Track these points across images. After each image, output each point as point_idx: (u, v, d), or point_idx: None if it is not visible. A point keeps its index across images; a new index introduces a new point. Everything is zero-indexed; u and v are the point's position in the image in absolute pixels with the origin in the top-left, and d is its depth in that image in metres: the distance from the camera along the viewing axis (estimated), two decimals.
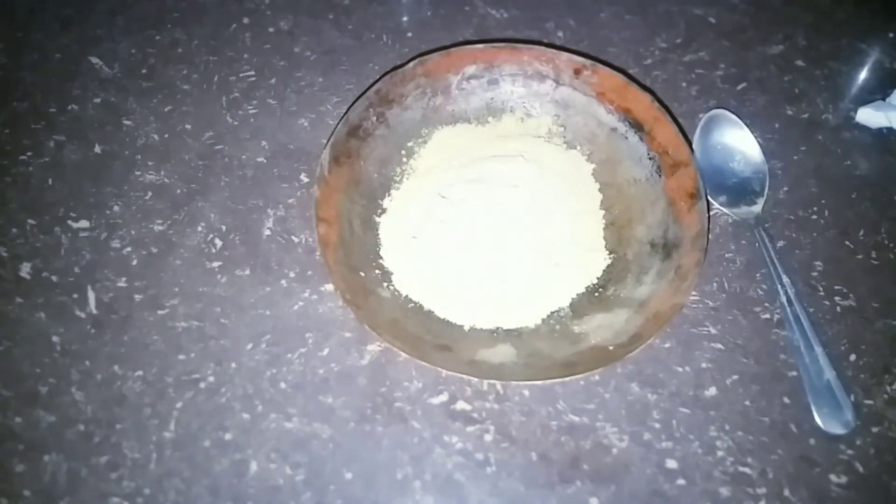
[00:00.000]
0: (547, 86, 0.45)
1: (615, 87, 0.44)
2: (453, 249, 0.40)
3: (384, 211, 0.42)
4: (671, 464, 0.36)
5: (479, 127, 0.46)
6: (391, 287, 0.40)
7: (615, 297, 0.40)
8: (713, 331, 0.40)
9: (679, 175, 0.41)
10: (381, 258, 0.40)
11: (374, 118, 0.43)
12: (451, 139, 0.45)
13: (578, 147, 0.45)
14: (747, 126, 0.46)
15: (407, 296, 0.39)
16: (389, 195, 0.43)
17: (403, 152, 0.44)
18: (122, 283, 0.40)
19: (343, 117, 0.42)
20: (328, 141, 0.41)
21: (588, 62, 0.44)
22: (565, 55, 0.45)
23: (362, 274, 0.39)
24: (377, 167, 0.43)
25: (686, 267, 0.38)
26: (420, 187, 0.43)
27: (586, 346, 0.37)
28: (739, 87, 0.49)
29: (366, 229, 0.41)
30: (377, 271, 0.40)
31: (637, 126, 0.43)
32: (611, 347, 0.36)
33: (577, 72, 0.44)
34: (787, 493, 0.36)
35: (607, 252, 0.41)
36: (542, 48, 0.45)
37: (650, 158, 0.43)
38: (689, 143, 0.43)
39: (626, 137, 0.44)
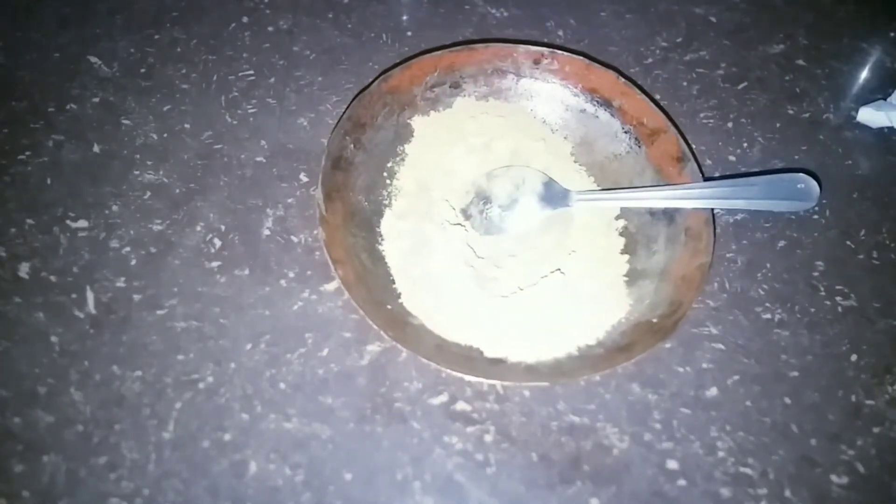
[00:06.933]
0: (509, 80, 0.46)
1: (577, 70, 0.45)
2: (454, 276, 0.40)
3: (384, 238, 0.41)
4: (672, 464, 0.36)
5: (452, 133, 0.45)
6: (416, 319, 0.38)
7: (633, 270, 0.40)
8: (714, 331, 0.40)
9: (660, 142, 0.42)
10: (395, 285, 0.39)
11: (352, 145, 0.42)
12: (427, 153, 0.44)
13: (554, 133, 0.45)
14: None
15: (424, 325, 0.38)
16: (383, 221, 0.42)
17: (385, 174, 0.43)
18: (120, 283, 0.40)
19: (325, 152, 0.41)
20: (319, 179, 0.40)
21: (546, 50, 0.45)
22: (522, 47, 0.45)
23: (389, 307, 0.38)
24: (365, 195, 0.42)
25: (696, 228, 0.39)
26: (408, 208, 0.42)
27: (630, 323, 0.38)
28: (740, 86, 0.49)
29: (374, 261, 0.40)
30: (399, 301, 0.39)
31: (606, 103, 0.44)
32: (654, 320, 0.37)
33: (536, 62, 0.45)
34: (787, 493, 0.35)
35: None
36: (500, 45, 0.45)
37: (625, 132, 0.43)
38: (664, 111, 0.44)
39: (597, 116, 0.44)
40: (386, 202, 0.43)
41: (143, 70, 0.48)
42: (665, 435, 0.37)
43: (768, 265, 0.42)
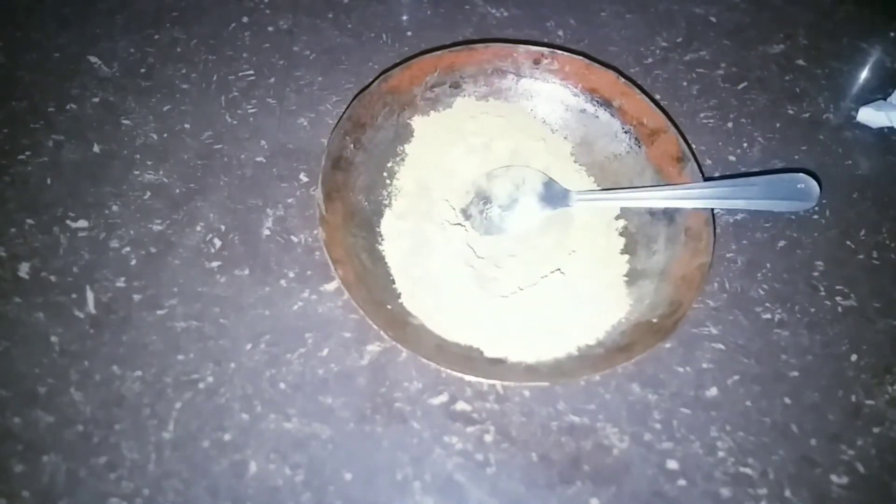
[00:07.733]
0: (509, 80, 0.46)
1: (577, 70, 0.45)
2: (454, 276, 0.40)
3: (384, 238, 0.41)
4: (672, 464, 0.36)
5: (452, 133, 0.45)
6: (416, 319, 0.38)
7: (633, 270, 0.40)
8: (714, 331, 0.40)
9: (660, 142, 0.42)
10: (395, 285, 0.39)
11: (352, 145, 0.42)
12: (427, 153, 0.44)
13: (554, 133, 0.45)
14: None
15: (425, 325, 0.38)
16: (383, 221, 0.42)
17: (385, 174, 0.43)
18: (120, 283, 0.40)
19: (325, 152, 0.41)
20: (319, 179, 0.40)
21: (546, 50, 0.45)
22: (522, 47, 0.45)
23: (389, 307, 0.38)
24: (365, 195, 0.42)
25: (696, 228, 0.39)
26: (408, 208, 0.42)
27: (630, 323, 0.38)
28: (740, 86, 0.49)
29: (374, 261, 0.40)
30: (399, 301, 0.39)
31: (606, 103, 0.44)
32: (654, 320, 0.37)
33: (536, 62, 0.45)
34: (787, 493, 0.35)
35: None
36: (500, 45, 0.45)
37: (625, 132, 0.44)
38: (664, 111, 0.44)
39: (597, 116, 0.45)
40: (386, 202, 0.43)
41: (143, 70, 0.48)
42: (665, 435, 0.37)
43: (768, 265, 0.42)
